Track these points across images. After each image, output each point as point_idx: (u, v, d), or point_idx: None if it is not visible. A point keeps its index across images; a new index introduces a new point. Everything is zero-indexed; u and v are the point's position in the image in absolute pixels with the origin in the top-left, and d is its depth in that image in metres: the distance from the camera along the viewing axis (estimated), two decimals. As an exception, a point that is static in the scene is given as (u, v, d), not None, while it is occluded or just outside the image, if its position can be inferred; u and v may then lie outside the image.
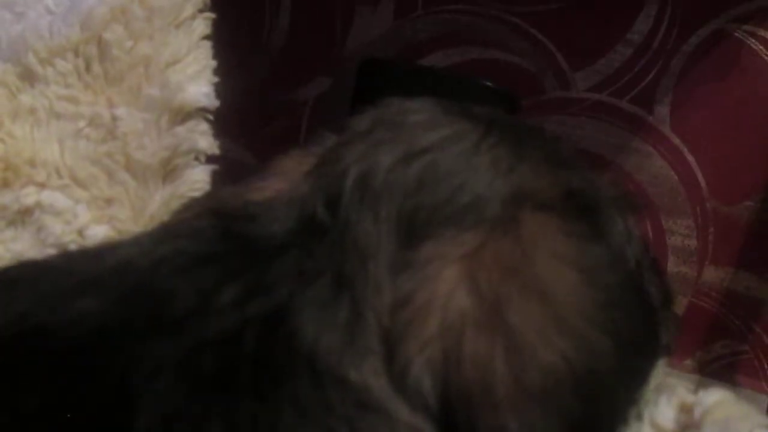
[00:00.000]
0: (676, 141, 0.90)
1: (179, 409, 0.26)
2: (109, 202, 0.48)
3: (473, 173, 0.32)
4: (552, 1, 0.90)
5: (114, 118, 0.48)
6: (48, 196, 0.47)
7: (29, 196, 0.47)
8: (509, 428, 0.27)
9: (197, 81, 0.49)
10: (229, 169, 0.50)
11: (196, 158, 0.49)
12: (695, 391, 0.35)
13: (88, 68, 0.49)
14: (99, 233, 0.47)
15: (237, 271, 0.30)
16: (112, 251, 0.32)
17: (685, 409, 0.35)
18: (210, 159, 0.50)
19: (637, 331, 0.31)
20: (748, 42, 0.86)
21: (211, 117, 0.50)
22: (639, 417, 0.35)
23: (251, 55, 1.00)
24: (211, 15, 0.51)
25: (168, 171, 0.49)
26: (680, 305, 0.94)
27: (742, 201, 0.90)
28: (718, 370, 0.95)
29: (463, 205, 0.31)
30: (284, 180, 0.36)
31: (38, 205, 0.47)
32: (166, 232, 0.34)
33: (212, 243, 0.32)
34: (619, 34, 0.89)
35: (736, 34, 0.86)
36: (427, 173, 0.32)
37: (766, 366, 0.94)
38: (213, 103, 0.49)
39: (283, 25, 0.99)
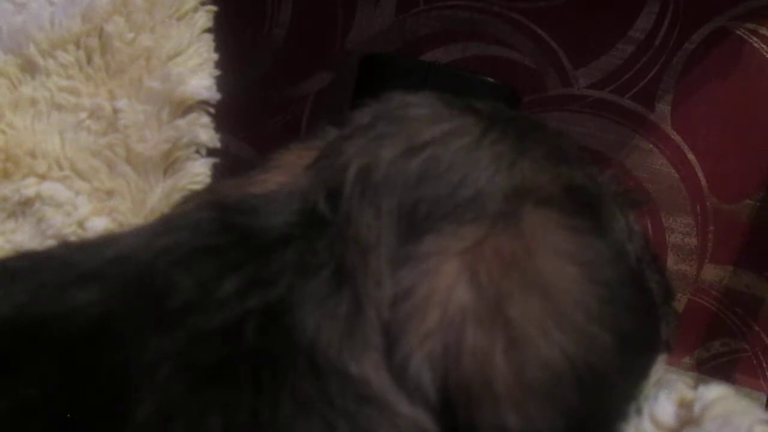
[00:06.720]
0: (677, 139, 0.90)
1: (179, 401, 0.26)
2: (109, 194, 0.48)
3: (474, 168, 0.32)
4: (554, -2, 0.90)
5: (115, 111, 0.48)
6: (48, 188, 0.47)
7: (30, 187, 0.47)
8: (508, 422, 0.27)
9: (198, 74, 0.49)
10: (229, 163, 0.50)
11: (197, 151, 0.49)
12: (695, 388, 0.35)
13: (89, 60, 0.49)
14: (99, 225, 0.47)
15: (237, 264, 0.30)
16: (113, 243, 0.32)
17: (685, 405, 0.35)
18: (211, 152, 0.50)
19: (638, 327, 0.31)
20: (750, 40, 0.86)
21: (212, 110, 0.50)
22: (639, 412, 0.35)
23: (253, 48, 1.00)
24: (213, 8, 0.51)
25: (169, 163, 0.49)
26: (679, 303, 0.94)
27: (742, 199, 0.90)
28: (716, 368, 0.95)
29: (464, 199, 0.31)
30: (285, 173, 0.36)
31: (39, 196, 0.47)
32: (166, 225, 0.34)
33: (213, 235, 0.32)
34: (620, 31, 0.89)
35: (738, 33, 0.86)
36: (429, 167, 0.32)
37: (764, 364, 0.94)
38: (214, 96, 0.49)
39: (284, 19, 0.99)
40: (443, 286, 0.29)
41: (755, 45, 0.86)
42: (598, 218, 0.33)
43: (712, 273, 0.93)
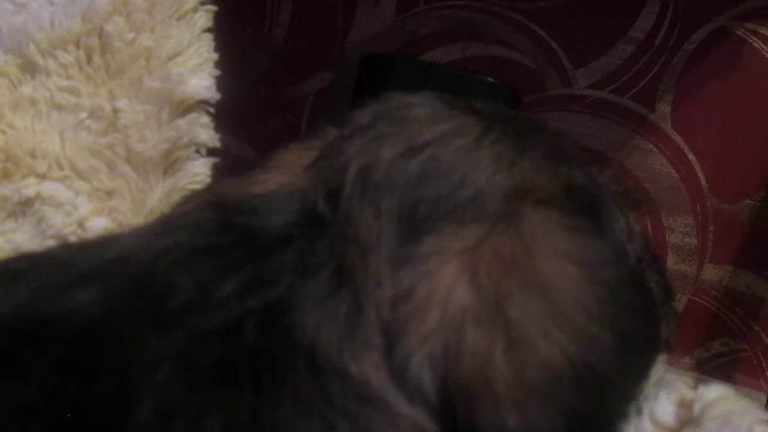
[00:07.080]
0: (677, 139, 0.90)
1: (179, 402, 0.26)
2: (109, 194, 0.48)
3: (474, 168, 0.32)
4: (554, -2, 0.90)
5: (115, 110, 0.48)
6: (48, 188, 0.47)
7: (30, 187, 0.47)
8: (508, 423, 0.27)
9: (198, 74, 0.49)
10: (229, 163, 0.50)
11: (197, 151, 0.49)
12: (695, 387, 0.35)
13: (89, 60, 0.49)
14: (99, 225, 0.47)
15: (237, 264, 0.30)
16: (113, 243, 0.32)
17: (685, 405, 0.35)
18: (211, 152, 0.50)
19: (638, 327, 0.31)
20: (750, 40, 0.86)
21: (212, 110, 0.50)
22: (639, 412, 0.35)
23: (253, 48, 1.00)
24: (213, 8, 0.51)
25: (169, 163, 0.49)
26: (679, 303, 0.94)
27: (742, 199, 0.90)
28: (716, 368, 0.95)
29: (464, 199, 0.31)
30: (285, 173, 0.36)
31: (39, 196, 0.47)
32: (166, 225, 0.34)
33: (213, 235, 0.32)
34: (621, 31, 0.89)
35: (738, 33, 0.86)
36: (429, 167, 0.32)
37: (764, 364, 0.94)
38: (214, 96, 0.49)
39: (284, 19, 0.99)
40: (443, 286, 0.29)
41: (755, 45, 0.86)
42: (598, 218, 0.33)
43: (712, 273, 0.93)
